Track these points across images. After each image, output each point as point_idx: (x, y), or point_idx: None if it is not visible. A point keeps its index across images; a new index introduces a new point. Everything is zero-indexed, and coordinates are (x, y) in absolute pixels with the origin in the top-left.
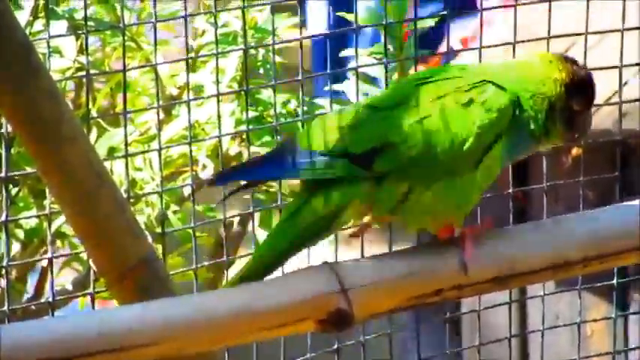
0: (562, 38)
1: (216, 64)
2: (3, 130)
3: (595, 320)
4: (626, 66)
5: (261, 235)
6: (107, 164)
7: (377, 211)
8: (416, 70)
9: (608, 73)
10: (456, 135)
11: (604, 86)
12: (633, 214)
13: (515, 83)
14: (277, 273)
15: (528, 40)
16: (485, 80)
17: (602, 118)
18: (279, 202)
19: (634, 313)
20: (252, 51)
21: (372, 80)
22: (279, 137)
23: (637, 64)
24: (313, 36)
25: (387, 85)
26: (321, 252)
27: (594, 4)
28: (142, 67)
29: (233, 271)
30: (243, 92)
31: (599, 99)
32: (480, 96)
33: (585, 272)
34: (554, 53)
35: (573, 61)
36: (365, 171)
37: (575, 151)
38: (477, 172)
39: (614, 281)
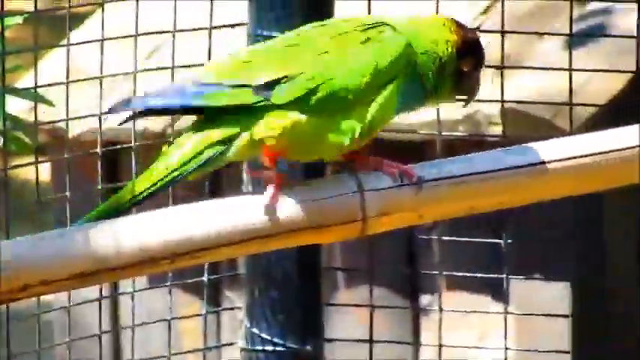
0: (151, 37)
1: None
2: None
3: (186, 317)
4: None
5: None
6: None
7: (270, 140)
8: None
9: None
10: (352, 70)
11: None
12: None
13: (411, 37)
14: None
15: (116, 38)
16: (382, 23)
17: None
18: None
19: (225, 309)
20: None
21: None
22: None
23: None
24: None
25: None
26: None
27: (185, 4)
28: None
29: None
30: None
31: None
32: (378, 35)
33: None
34: (447, 16)
35: (464, 26)
36: (265, 101)
37: None
38: (369, 108)
39: (205, 278)
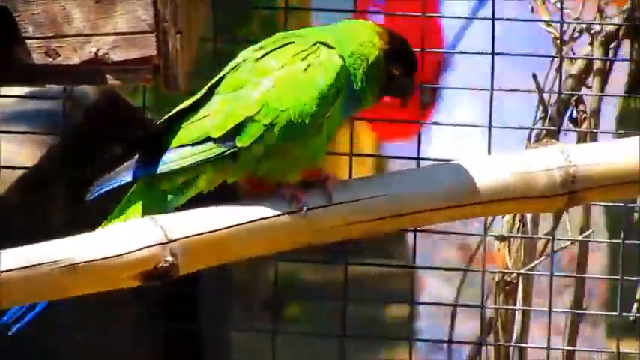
0: None
1: None
2: None
3: None
4: None
5: None
6: None
7: (234, 177)
8: None
9: None
10: (302, 98)
11: None
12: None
13: (340, 44)
14: None
15: None
16: (317, 42)
17: None
18: None
19: None
20: None
21: None
22: None
23: None
24: None
25: None
26: None
27: None
28: None
29: None
30: None
31: None
32: (316, 59)
33: None
34: (374, 22)
35: (393, 33)
36: (230, 148)
37: None
38: (323, 130)
39: None
